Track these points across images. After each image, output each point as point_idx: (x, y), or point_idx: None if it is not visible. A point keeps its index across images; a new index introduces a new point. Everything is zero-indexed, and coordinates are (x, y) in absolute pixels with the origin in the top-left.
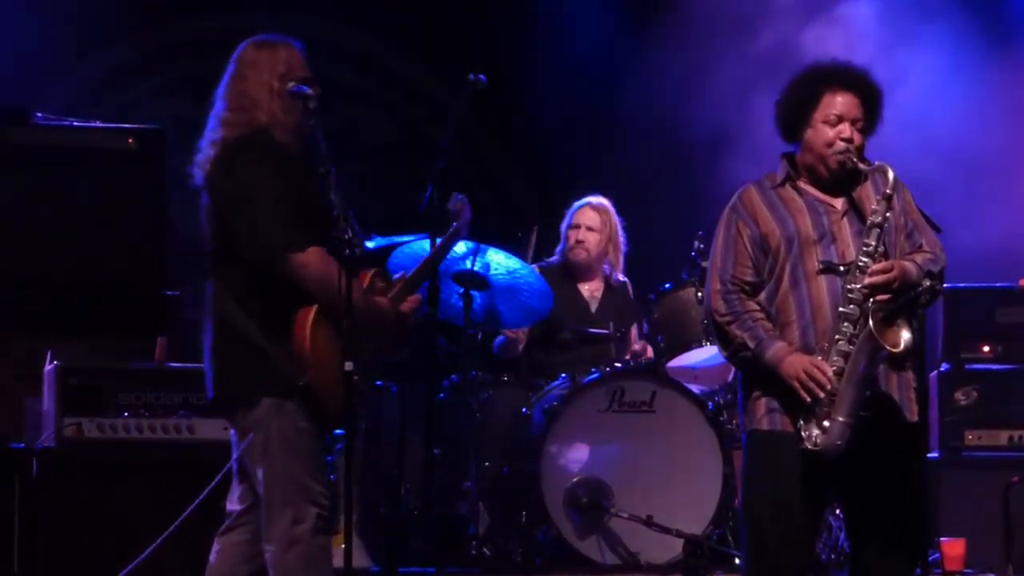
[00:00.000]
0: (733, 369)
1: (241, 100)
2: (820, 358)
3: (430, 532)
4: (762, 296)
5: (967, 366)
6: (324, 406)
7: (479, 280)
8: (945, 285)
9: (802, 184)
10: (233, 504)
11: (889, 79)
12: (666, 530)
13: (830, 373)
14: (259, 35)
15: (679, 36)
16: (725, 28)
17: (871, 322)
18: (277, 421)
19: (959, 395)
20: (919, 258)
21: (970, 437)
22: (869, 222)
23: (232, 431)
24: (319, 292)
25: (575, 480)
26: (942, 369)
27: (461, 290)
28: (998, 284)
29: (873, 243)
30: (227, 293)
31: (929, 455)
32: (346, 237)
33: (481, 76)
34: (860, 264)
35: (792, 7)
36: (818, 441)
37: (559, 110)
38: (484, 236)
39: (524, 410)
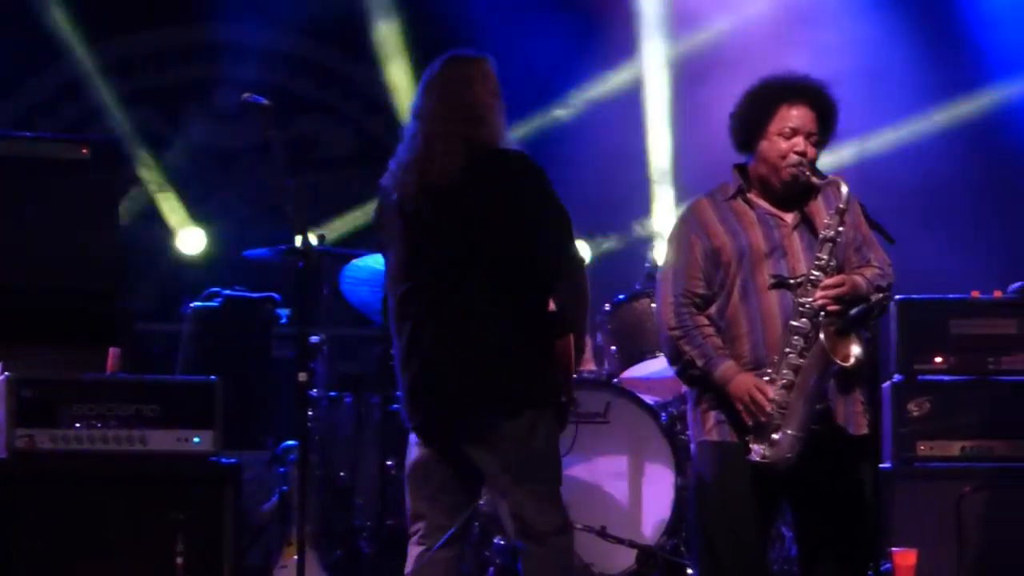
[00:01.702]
0: None
1: (466, 116)
2: (770, 371)
3: (383, 543)
4: (712, 309)
5: (920, 377)
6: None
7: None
8: (899, 296)
9: (753, 197)
10: (440, 518)
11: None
12: (619, 540)
13: (771, 395)
14: (461, 50)
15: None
16: None
17: (822, 336)
18: (542, 435)
19: (912, 406)
20: (868, 273)
21: (923, 448)
22: (822, 236)
23: (432, 445)
24: (582, 312)
25: None
26: (895, 380)
27: None
28: (952, 295)
29: (825, 257)
30: (492, 304)
31: (882, 466)
32: (302, 248)
33: None
34: (812, 278)
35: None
36: (767, 454)
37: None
38: None
39: None
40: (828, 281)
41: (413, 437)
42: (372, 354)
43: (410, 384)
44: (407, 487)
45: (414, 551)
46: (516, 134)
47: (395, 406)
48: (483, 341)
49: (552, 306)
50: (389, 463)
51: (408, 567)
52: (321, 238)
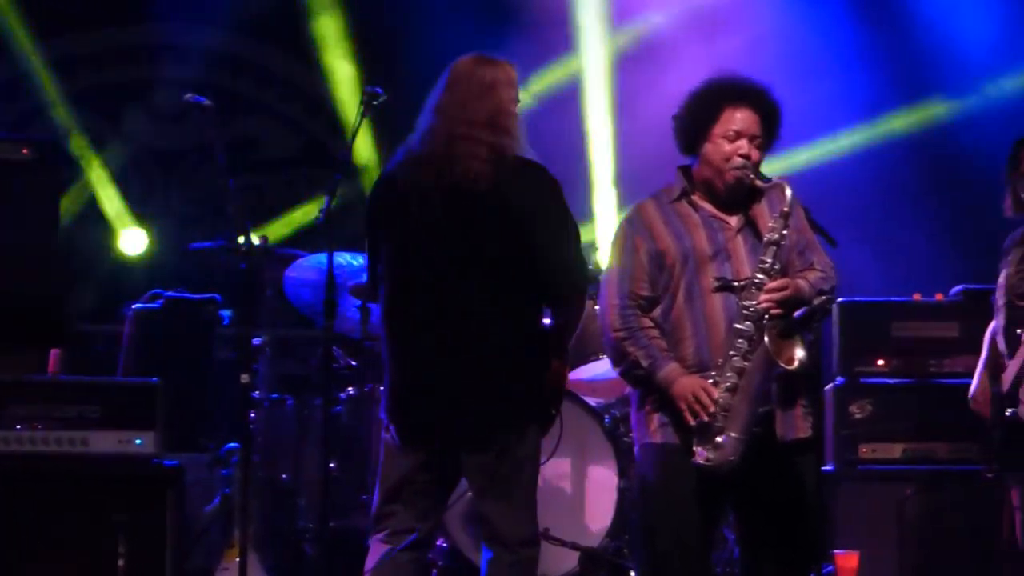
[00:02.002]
0: None
1: (494, 121)
2: (714, 374)
3: (326, 546)
4: (657, 312)
5: (862, 380)
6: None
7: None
8: (841, 298)
9: (698, 199)
10: (410, 520)
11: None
12: (563, 543)
13: (716, 396)
14: (483, 53)
15: None
16: None
17: (766, 339)
18: (533, 446)
19: (854, 408)
20: (811, 276)
21: (864, 450)
22: (766, 239)
23: (401, 448)
24: (574, 331)
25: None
26: (837, 383)
27: (359, 303)
28: (894, 298)
29: (769, 260)
30: (497, 313)
31: (824, 468)
32: (243, 249)
33: (378, 89)
34: (756, 281)
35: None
36: (710, 457)
37: None
38: None
39: None
40: (772, 284)
41: (390, 437)
42: (315, 356)
43: (404, 384)
44: (379, 487)
45: (378, 549)
46: None
47: (338, 408)
48: (487, 349)
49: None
50: (332, 465)
51: (369, 564)
52: (264, 239)
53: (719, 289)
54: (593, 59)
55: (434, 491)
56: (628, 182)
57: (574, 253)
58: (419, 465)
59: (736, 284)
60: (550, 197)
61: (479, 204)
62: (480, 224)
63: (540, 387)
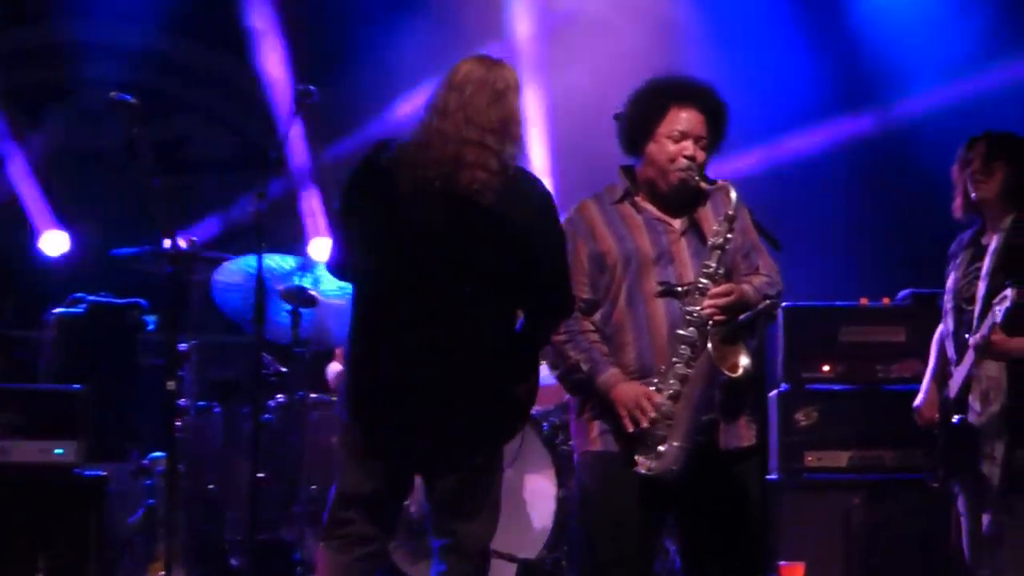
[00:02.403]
0: None
1: (506, 129)
2: (656, 381)
3: (255, 558)
4: (597, 315)
5: (807, 386)
6: None
7: (307, 297)
8: (786, 303)
9: (640, 200)
10: (369, 528)
11: None
12: (500, 555)
13: (657, 401)
14: (482, 54)
15: None
16: None
17: (710, 346)
18: (501, 452)
19: (799, 416)
20: (756, 281)
21: (810, 458)
22: (711, 243)
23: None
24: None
25: (406, 504)
26: (782, 389)
27: (289, 307)
28: (840, 302)
29: (714, 265)
30: (494, 326)
31: (769, 477)
32: (170, 252)
33: (311, 88)
34: (700, 286)
35: None
36: (652, 466)
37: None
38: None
39: None
40: (716, 290)
41: (356, 441)
42: (243, 362)
43: (386, 385)
44: (337, 492)
45: (332, 558)
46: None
47: (267, 416)
48: (478, 357)
49: None
50: (261, 475)
51: (322, 573)
52: (191, 242)
53: (662, 294)
54: (522, 45)
55: (394, 499)
56: (563, 175)
57: (566, 271)
58: (383, 472)
59: (679, 289)
60: (548, 213)
61: (480, 215)
62: (479, 235)
63: (522, 403)
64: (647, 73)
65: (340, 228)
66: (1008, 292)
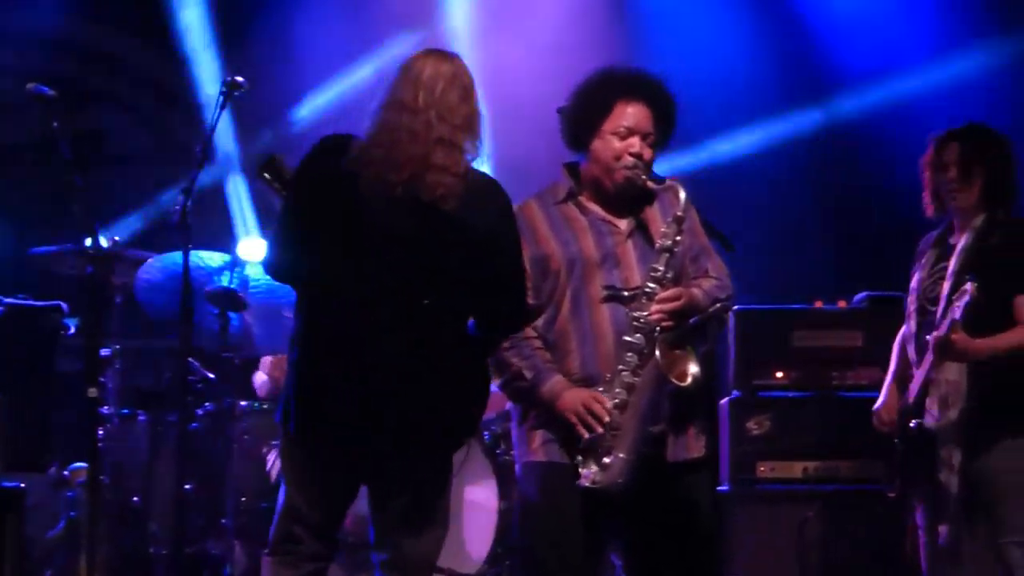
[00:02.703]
0: None
1: (472, 127)
2: (602, 389)
3: (181, 573)
4: (540, 321)
5: (760, 393)
6: None
7: (236, 299)
8: (737, 306)
9: (585, 201)
10: (316, 544)
11: None
12: (439, 570)
13: (609, 405)
14: (436, 48)
15: None
16: None
17: (658, 353)
18: (450, 467)
19: (751, 424)
20: (706, 284)
21: (763, 469)
22: (659, 245)
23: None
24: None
25: None
26: (733, 396)
27: (216, 310)
28: (794, 306)
29: (662, 268)
30: (457, 337)
31: (720, 488)
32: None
33: (239, 78)
34: (647, 290)
35: None
36: (597, 479)
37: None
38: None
39: None
40: (664, 294)
41: (303, 455)
42: (169, 368)
43: (333, 398)
44: (287, 508)
45: (285, 573)
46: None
47: (194, 424)
48: (438, 366)
49: None
50: (187, 486)
51: None
52: (113, 240)
53: (608, 299)
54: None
55: (341, 514)
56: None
57: (524, 280)
58: (332, 487)
59: (626, 294)
60: (508, 220)
61: (442, 222)
62: (440, 243)
63: (476, 415)
64: (583, 65)
65: (288, 228)
66: (968, 286)
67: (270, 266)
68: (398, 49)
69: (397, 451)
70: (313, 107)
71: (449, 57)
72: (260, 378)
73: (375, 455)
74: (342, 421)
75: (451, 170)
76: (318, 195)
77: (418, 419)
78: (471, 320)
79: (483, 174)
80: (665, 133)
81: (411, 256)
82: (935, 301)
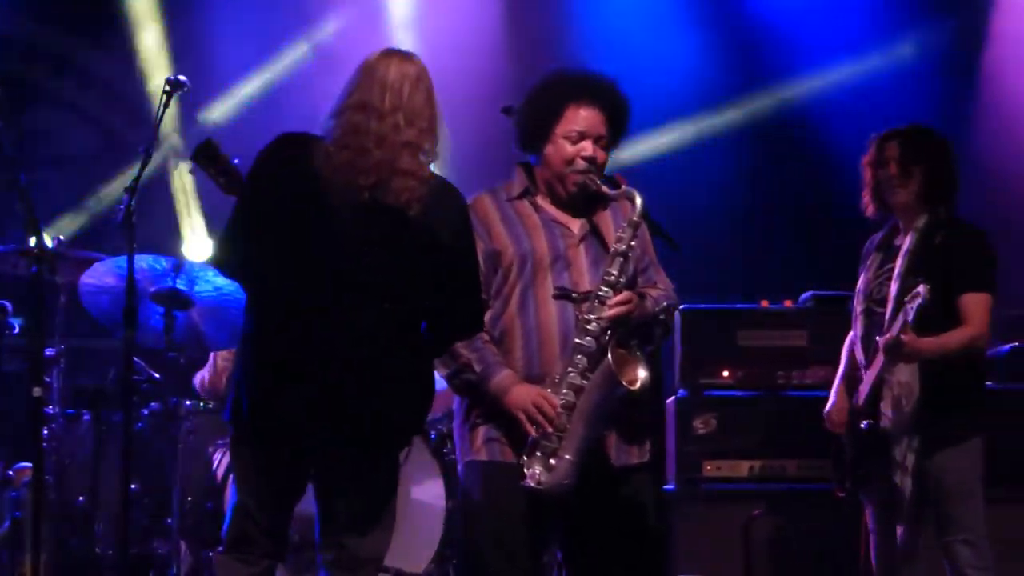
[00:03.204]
0: None
1: (436, 130)
2: (548, 390)
3: (126, 574)
4: (487, 316)
5: (706, 392)
6: None
7: (182, 299)
8: (683, 305)
9: (540, 200)
10: (269, 544)
11: None
12: (385, 570)
13: (558, 406)
14: (395, 48)
15: None
16: None
17: (609, 357)
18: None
19: (697, 423)
20: (655, 293)
21: (709, 468)
22: (613, 249)
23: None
24: None
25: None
26: (679, 395)
27: (162, 310)
28: (739, 305)
29: (615, 272)
30: (411, 340)
31: (665, 488)
32: (35, 251)
33: (182, 78)
34: (600, 294)
35: None
36: (542, 480)
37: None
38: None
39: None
40: (617, 298)
41: (254, 455)
42: (114, 368)
43: (284, 399)
44: (240, 508)
45: (241, 570)
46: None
47: (139, 424)
48: (393, 371)
49: None
50: (133, 487)
51: None
52: (57, 240)
53: (558, 297)
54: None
55: (290, 513)
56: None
57: (480, 285)
58: (283, 486)
59: (576, 295)
60: (467, 225)
61: (406, 227)
62: (403, 250)
63: (424, 414)
64: (516, 59)
65: (243, 225)
66: (920, 289)
67: (220, 262)
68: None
69: (346, 450)
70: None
71: (411, 58)
72: (201, 374)
73: (324, 454)
74: (291, 421)
75: (417, 175)
76: (277, 195)
77: (367, 419)
78: (424, 322)
79: (441, 178)
80: (617, 134)
81: (374, 261)
82: (882, 303)
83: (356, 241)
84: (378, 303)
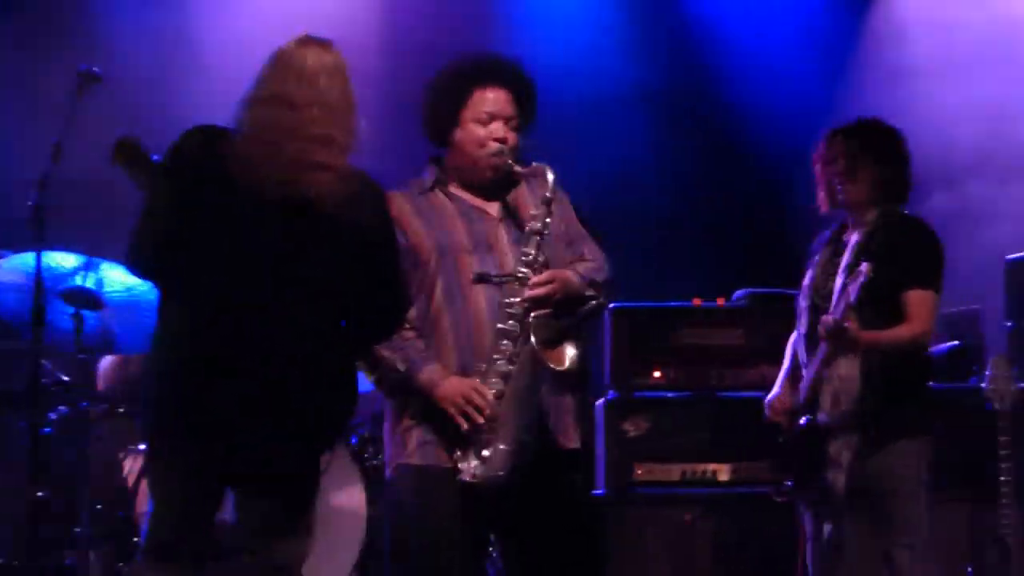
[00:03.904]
0: (380, 396)
1: (353, 122)
2: (478, 379)
3: None
4: (413, 313)
5: (637, 393)
6: None
7: (92, 299)
8: (613, 303)
9: (453, 189)
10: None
11: None
12: None
13: (490, 397)
14: (311, 35)
15: None
16: None
17: (532, 338)
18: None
19: (628, 425)
20: (581, 267)
21: (640, 472)
22: (528, 229)
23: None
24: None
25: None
26: (609, 396)
27: (71, 310)
28: (671, 303)
29: (532, 252)
30: (331, 339)
31: (595, 492)
32: None
33: (95, 68)
34: (519, 275)
35: None
36: (477, 472)
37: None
38: (99, 249)
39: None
40: (536, 278)
41: (169, 461)
42: (20, 370)
43: (200, 402)
44: (156, 514)
45: None
46: None
47: (47, 429)
48: (313, 375)
49: None
50: (40, 494)
51: None
52: None
53: (477, 282)
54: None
55: (210, 519)
56: None
57: (403, 280)
58: (199, 492)
59: (496, 279)
60: (386, 218)
61: (321, 223)
62: (318, 246)
63: (340, 411)
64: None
65: (155, 223)
66: (863, 267)
67: (132, 261)
68: None
69: (264, 456)
70: None
71: (326, 45)
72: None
73: (242, 460)
74: (226, 417)
75: (331, 168)
76: (189, 192)
77: (311, 413)
78: (345, 320)
79: (356, 169)
80: (528, 115)
81: (290, 259)
82: (828, 297)
83: (269, 239)
84: (293, 304)
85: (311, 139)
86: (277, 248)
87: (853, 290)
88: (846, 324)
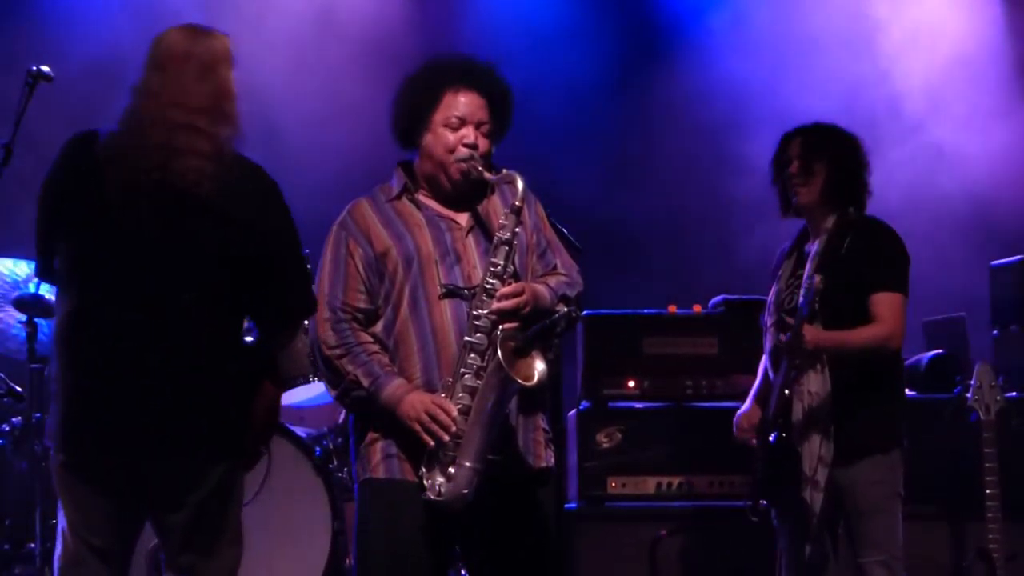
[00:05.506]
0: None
1: (217, 108)
2: (444, 395)
3: None
4: (379, 326)
5: (610, 404)
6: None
7: (45, 306)
8: (586, 311)
9: (421, 197)
10: (102, 570)
11: None
12: None
13: (455, 413)
14: (190, 23)
15: None
16: None
17: (500, 352)
18: (238, 487)
19: (601, 437)
20: (553, 281)
21: (613, 484)
22: (496, 239)
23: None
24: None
25: (156, 541)
26: (582, 407)
27: (24, 318)
28: (645, 310)
29: (501, 263)
30: (227, 336)
31: (567, 506)
32: None
33: (45, 68)
34: (487, 286)
35: None
36: (442, 491)
37: None
38: None
39: None
40: (505, 290)
41: (70, 476)
42: None
43: (92, 412)
44: (66, 531)
45: None
46: None
47: (1, 441)
48: (196, 376)
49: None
50: None
51: None
52: None
53: (445, 295)
54: None
55: (121, 535)
56: None
57: (302, 266)
58: (104, 507)
59: (465, 290)
60: (276, 202)
61: (198, 209)
62: (197, 233)
63: (246, 423)
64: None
65: (40, 227)
66: (814, 279)
67: (36, 272)
68: None
69: (158, 465)
70: None
71: (194, 32)
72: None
73: (138, 472)
74: (101, 437)
75: (199, 153)
76: (65, 191)
77: (173, 428)
78: (251, 322)
79: (244, 158)
80: (501, 121)
81: (167, 250)
82: (792, 312)
83: (143, 230)
84: (175, 296)
85: (173, 127)
86: (152, 235)
87: (804, 303)
88: (801, 332)
